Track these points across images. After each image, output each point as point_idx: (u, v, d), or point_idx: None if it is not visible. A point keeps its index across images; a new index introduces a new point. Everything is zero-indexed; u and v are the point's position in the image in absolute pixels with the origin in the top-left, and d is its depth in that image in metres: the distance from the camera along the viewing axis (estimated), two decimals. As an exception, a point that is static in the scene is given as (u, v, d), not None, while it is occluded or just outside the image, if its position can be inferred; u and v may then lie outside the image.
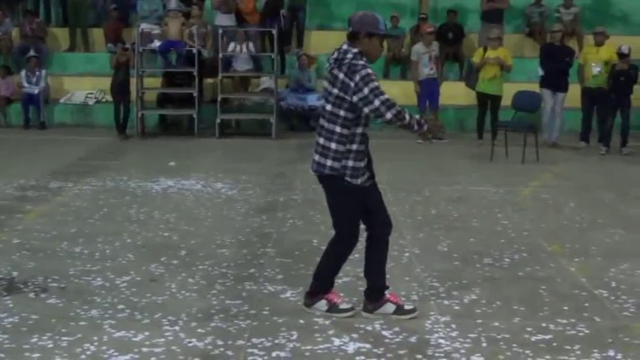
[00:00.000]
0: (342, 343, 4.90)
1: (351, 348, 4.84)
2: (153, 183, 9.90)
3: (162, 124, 15.45)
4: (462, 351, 4.82)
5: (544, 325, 5.26)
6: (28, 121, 15.15)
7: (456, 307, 5.58)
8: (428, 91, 13.85)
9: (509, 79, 13.79)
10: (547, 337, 5.06)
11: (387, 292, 5.37)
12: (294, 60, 15.94)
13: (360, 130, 5.07)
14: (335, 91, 5.04)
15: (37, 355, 4.68)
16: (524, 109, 12.66)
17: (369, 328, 5.17)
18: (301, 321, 5.24)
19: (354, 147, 5.07)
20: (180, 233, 7.55)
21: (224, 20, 15.94)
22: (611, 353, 4.83)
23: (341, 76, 5.02)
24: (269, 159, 12.08)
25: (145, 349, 4.77)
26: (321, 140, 5.11)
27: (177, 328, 5.11)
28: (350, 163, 5.06)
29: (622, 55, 12.76)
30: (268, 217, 8.25)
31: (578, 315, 5.46)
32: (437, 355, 4.78)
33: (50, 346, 4.81)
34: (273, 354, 4.73)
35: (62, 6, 17.68)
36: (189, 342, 4.89)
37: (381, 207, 5.29)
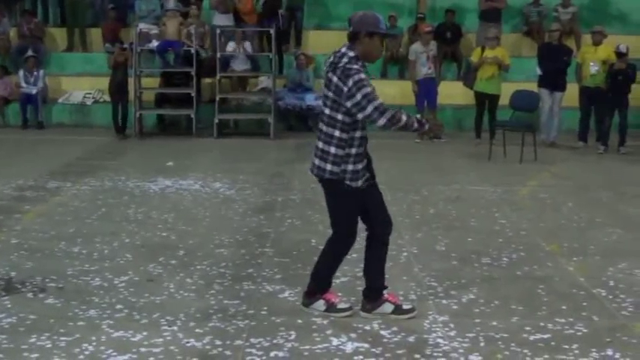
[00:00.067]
0: (340, 343, 4.90)
1: (349, 348, 4.84)
2: (151, 183, 9.90)
3: (161, 124, 15.44)
4: (461, 350, 4.83)
5: (542, 324, 5.26)
6: (26, 121, 15.13)
7: (455, 307, 5.59)
8: (425, 90, 13.84)
9: (507, 79, 13.80)
10: (545, 336, 5.07)
11: (385, 291, 5.38)
12: (292, 60, 15.93)
13: (358, 134, 5.07)
14: (330, 94, 5.04)
15: (36, 355, 4.68)
16: (522, 109, 12.67)
17: (368, 327, 5.17)
18: (299, 321, 5.24)
19: (353, 151, 5.07)
20: (179, 233, 7.55)
21: (222, 20, 15.94)
22: (610, 352, 4.83)
23: (335, 79, 5.02)
24: (267, 159, 12.08)
25: (143, 349, 4.77)
26: (321, 144, 5.11)
27: (175, 328, 5.11)
28: (350, 167, 5.07)
29: (620, 55, 12.76)
30: (266, 216, 8.25)
31: (576, 314, 5.46)
32: (435, 354, 4.78)
33: (48, 346, 4.81)
34: (272, 354, 4.74)
35: (60, 6, 17.66)
36: (188, 342, 4.89)
37: (382, 207, 5.30)
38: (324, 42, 16.23)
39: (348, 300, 5.48)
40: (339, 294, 5.50)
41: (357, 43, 5.08)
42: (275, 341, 4.91)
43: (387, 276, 5.42)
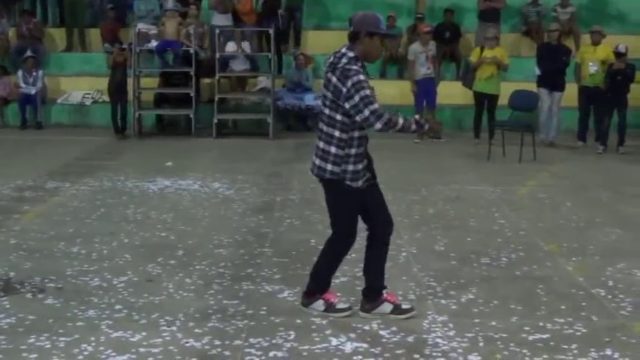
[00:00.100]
0: (339, 343, 4.90)
1: (348, 348, 4.84)
2: (150, 183, 9.90)
3: (160, 124, 15.43)
4: (460, 350, 4.83)
5: (541, 324, 5.26)
6: (25, 121, 15.13)
7: (454, 307, 5.59)
8: (425, 90, 13.83)
9: (506, 79, 13.80)
10: (544, 336, 5.07)
11: (384, 291, 5.38)
12: (291, 60, 15.93)
13: (357, 133, 5.06)
14: (329, 95, 5.04)
15: (35, 355, 4.68)
16: (521, 109, 12.67)
17: (367, 327, 5.17)
18: (298, 321, 5.24)
19: (353, 151, 5.06)
20: (178, 233, 7.54)
21: (221, 20, 15.93)
22: (609, 352, 4.83)
23: (334, 80, 5.01)
24: (266, 159, 12.08)
25: (142, 350, 4.77)
26: (321, 144, 5.11)
27: (174, 328, 5.11)
28: (350, 167, 5.06)
29: (619, 54, 12.76)
30: (265, 216, 8.25)
31: (575, 314, 5.46)
32: (434, 354, 4.78)
33: (48, 346, 4.81)
34: (271, 354, 4.73)
35: (59, 6, 17.66)
36: (187, 342, 4.89)
37: (383, 207, 5.30)
38: (323, 42, 16.24)
39: (347, 300, 5.48)
40: (339, 294, 5.50)
41: (358, 43, 5.08)
42: (274, 341, 4.91)
43: (386, 276, 5.42)
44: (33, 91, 15.11)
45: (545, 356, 4.75)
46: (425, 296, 5.80)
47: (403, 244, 7.12)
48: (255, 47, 16.10)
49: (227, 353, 4.75)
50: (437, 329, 5.16)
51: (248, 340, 4.93)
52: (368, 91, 4.96)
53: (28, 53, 15.58)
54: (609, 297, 5.85)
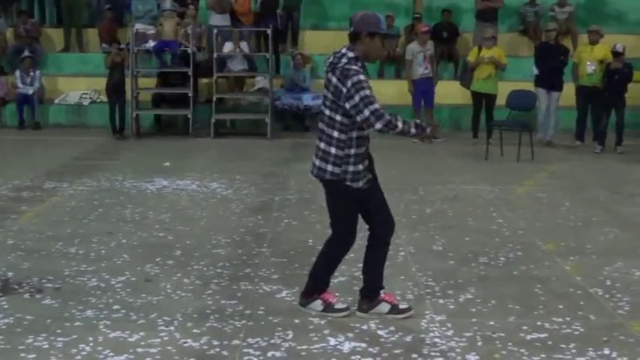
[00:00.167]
0: (337, 343, 4.90)
1: (346, 347, 4.84)
2: (148, 183, 9.89)
3: (157, 124, 15.43)
4: (458, 350, 4.83)
5: (539, 323, 5.27)
6: (22, 121, 15.12)
7: (452, 306, 5.59)
8: (422, 90, 13.83)
9: (504, 78, 13.81)
10: (542, 335, 5.07)
11: (382, 291, 5.37)
12: (288, 60, 15.93)
13: (356, 134, 5.05)
14: (330, 95, 5.04)
15: (33, 355, 4.68)
16: (519, 108, 12.69)
17: (365, 327, 5.17)
18: (297, 321, 5.24)
19: (353, 151, 5.06)
20: (176, 233, 7.54)
21: (219, 20, 15.93)
22: (607, 351, 4.83)
23: (334, 80, 5.01)
24: (264, 159, 12.07)
25: (140, 350, 4.77)
26: (322, 145, 5.10)
27: (172, 328, 5.11)
28: (350, 167, 5.06)
29: (617, 54, 12.77)
30: (263, 216, 8.25)
31: (573, 313, 5.47)
32: (432, 354, 4.78)
33: (45, 346, 4.80)
34: (269, 354, 4.73)
35: (56, 6, 17.66)
36: (185, 342, 4.89)
37: (384, 207, 5.29)
38: (320, 42, 16.26)
39: (345, 300, 5.48)
40: (337, 294, 5.50)
41: (358, 43, 5.07)
42: (272, 341, 4.91)
43: (384, 274, 5.42)
44: (30, 92, 15.10)
45: (543, 355, 4.76)
46: (423, 296, 5.81)
47: (401, 244, 7.12)
48: (253, 47, 16.11)
49: (225, 353, 4.75)
50: (435, 329, 5.16)
51: (246, 340, 4.93)
52: (368, 91, 4.95)
53: (26, 53, 15.58)
54: (607, 296, 5.86)
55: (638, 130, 14.68)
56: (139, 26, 15.51)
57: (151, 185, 9.78)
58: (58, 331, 5.03)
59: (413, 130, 5.11)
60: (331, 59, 5.09)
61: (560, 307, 5.60)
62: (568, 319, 5.36)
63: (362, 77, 4.97)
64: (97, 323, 5.17)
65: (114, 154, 12.58)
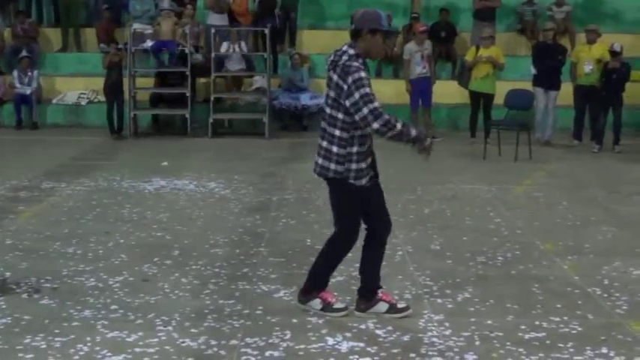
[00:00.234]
0: (335, 342, 4.90)
1: (344, 347, 4.84)
2: (145, 183, 9.89)
3: (155, 124, 15.42)
4: (456, 349, 4.83)
5: (537, 323, 5.27)
6: (20, 121, 15.11)
7: (450, 306, 5.59)
8: (420, 90, 13.83)
9: (501, 78, 13.80)
10: (540, 334, 5.07)
11: (379, 291, 5.37)
12: (286, 59, 15.93)
13: (358, 132, 5.04)
14: (332, 93, 5.03)
15: (31, 355, 4.67)
16: (516, 108, 12.70)
17: (363, 327, 5.17)
18: (295, 320, 5.24)
19: (355, 149, 5.05)
20: (174, 233, 7.54)
21: (216, 20, 15.92)
22: (604, 351, 4.84)
23: (335, 77, 5.00)
24: (262, 158, 12.07)
25: (138, 350, 4.77)
26: (325, 143, 5.10)
27: (170, 328, 5.11)
28: (353, 165, 5.05)
29: (614, 53, 12.77)
30: (261, 216, 8.24)
31: (571, 313, 5.47)
32: (430, 353, 4.78)
33: (43, 346, 4.80)
34: (267, 353, 4.73)
35: (54, 6, 17.63)
36: (183, 342, 4.89)
37: (383, 207, 5.30)
38: (318, 42, 16.26)
39: (343, 300, 5.48)
40: (335, 293, 5.50)
41: (360, 40, 5.07)
42: (270, 341, 4.91)
43: (382, 273, 5.41)
44: (28, 91, 15.09)
45: (541, 355, 4.76)
46: (421, 295, 5.81)
47: (399, 244, 7.12)
48: (251, 47, 16.10)
49: (223, 353, 4.75)
50: (433, 328, 5.16)
51: (244, 339, 4.93)
52: (368, 89, 4.94)
53: (24, 53, 15.57)
54: (605, 295, 5.86)
55: (635, 129, 14.70)
56: (136, 26, 15.51)
57: (149, 185, 9.77)
58: (56, 331, 5.03)
59: (413, 132, 5.09)
60: (332, 57, 5.08)
61: (558, 306, 5.60)
62: (566, 318, 5.36)
63: (363, 74, 4.96)
64: (94, 323, 5.17)
65: (112, 154, 12.58)
